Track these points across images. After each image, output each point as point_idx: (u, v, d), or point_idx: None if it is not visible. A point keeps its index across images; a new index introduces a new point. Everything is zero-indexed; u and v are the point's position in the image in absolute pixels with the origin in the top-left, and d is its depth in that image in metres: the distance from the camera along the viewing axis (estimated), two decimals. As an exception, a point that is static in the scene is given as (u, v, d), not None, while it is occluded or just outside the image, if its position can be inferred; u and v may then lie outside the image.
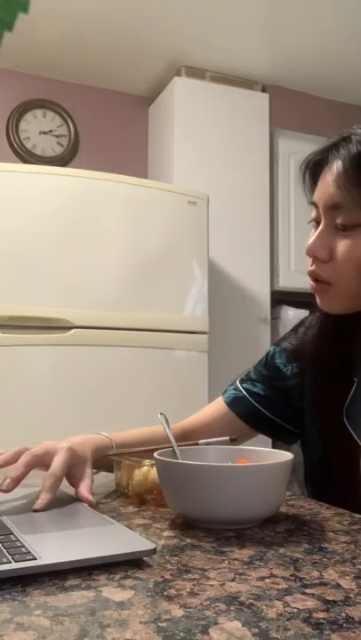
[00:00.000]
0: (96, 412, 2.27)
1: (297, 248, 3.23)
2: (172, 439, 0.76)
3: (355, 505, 0.73)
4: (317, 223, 0.80)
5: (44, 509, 0.66)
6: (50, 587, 0.46)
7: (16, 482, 0.71)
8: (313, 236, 0.79)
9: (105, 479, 0.93)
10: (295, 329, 0.98)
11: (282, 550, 0.56)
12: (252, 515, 0.64)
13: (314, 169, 0.82)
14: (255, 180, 3.17)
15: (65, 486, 0.86)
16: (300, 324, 0.97)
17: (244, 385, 0.98)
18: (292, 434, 0.98)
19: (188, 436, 0.94)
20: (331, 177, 0.76)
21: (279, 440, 1.01)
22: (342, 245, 0.75)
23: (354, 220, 0.74)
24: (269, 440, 2.14)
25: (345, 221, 0.74)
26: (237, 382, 1.00)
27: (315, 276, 0.79)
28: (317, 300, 0.81)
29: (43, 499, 0.68)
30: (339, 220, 0.75)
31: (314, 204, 0.80)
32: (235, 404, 0.97)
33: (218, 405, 1.00)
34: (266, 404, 0.96)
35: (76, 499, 0.73)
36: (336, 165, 0.75)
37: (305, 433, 0.94)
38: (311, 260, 0.79)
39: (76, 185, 2.39)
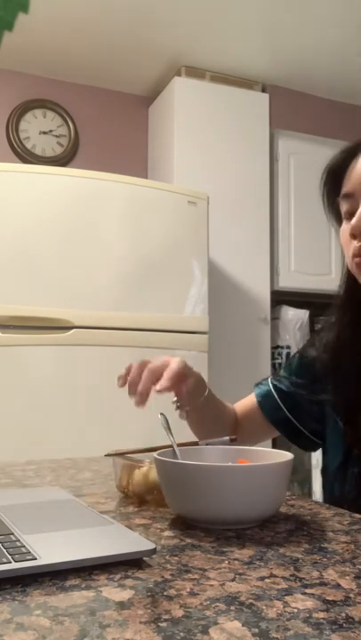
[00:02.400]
0: (96, 411, 2.27)
1: (297, 248, 3.24)
2: (173, 439, 0.76)
3: None
4: (351, 216, 0.82)
5: (161, 390, 0.81)
6: (50, 587, 0.46)
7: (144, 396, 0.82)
8: (356, 214, 0.79)
9: (105, 479, 0.93)
10: (313, 338, 0.99)
11: (282, 550, 0.56)
12: (252, 515, 0.64)
13: (334, 175, 0.86)
14: (255, 180, 3.17)
15: (65, 486, 0.86)
16: (319, 330, 0.98)
17: (273, 381, 1.02)
18: (312, 442, 0.99)
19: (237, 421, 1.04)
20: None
21: (296, 444, 1.02)
22: None
23: None
24: (269, 440, 2.14)
25: None
26: (269, 382, 1.04)
27: None
28: None
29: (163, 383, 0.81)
30: None
31: (347, 196, 0.82)
32: (262, 398, 1.02)
33: (250, 401, 1.06)
34: (288, 405, 0.99)
35: (76, 499, 0.73)
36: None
37: (325, 442, 0.95)
38: (354, 241, 0.80)
39: (76, 185, 2.39)
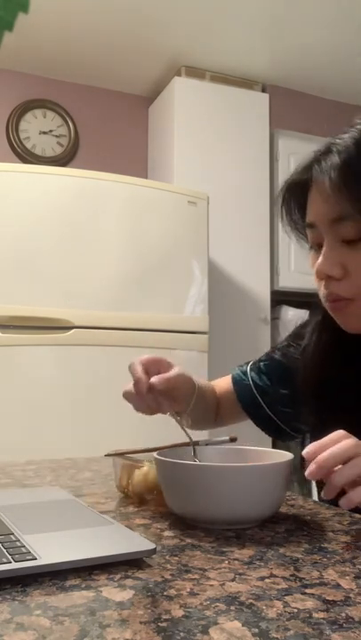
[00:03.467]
0: (96, 411, 2.27)
1: (297, 248, 3.22)
2: (190, 436, 0.76)
3: None
4: (318, 245, 0.77)
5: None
6: (50, 587, 0.46)
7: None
8: (320, 256, 0.75)
9: (105, 479, 0.93)
10: (294, 337, 0.97)
11: (282, 550, 0.56)
12: (252, 515, 0.64)
13: (298, 190, 0.80)
14: (255, 180, 3.17)
15: (65, 486, 0.86)
16: (299, 335, 0.95)
17: (253, 374, 1.01)
18: (289, 435, 0.99)
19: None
20: (323, 192, 0.73)
21: (274, 437, 1.02)
22: (354, 258, 0.72)
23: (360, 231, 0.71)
24: (270, 440, 2.14)
25: (351, 234, 0.72)
26: (248, 368, 1.02)
27: (334, 297, 0.75)
28: (339, 321, 0.78)
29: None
30: (344, 234, 0.72)
31: (310, 225, 0.77)
32: (241, 391, 1.01)
33: (227, 384, 1.05)
34: (267, 401, 0.98)
35: (76, 499, 0.73)
36: (324, 180, 0.72)
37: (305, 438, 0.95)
38: (323, 281, 0.76)
39: (76, 185, 2.39)
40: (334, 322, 0.79)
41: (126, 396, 0.83)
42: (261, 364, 1.01)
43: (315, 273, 0.77)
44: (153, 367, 0.84)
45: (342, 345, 0.82)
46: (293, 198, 0.81)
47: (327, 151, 0.73)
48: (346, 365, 0.82)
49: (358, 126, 0.73)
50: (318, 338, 0.86)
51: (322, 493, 0.58)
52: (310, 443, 0.68)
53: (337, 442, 0.60)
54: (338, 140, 0.73)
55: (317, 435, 0.66)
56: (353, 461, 0.59)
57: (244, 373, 1.02)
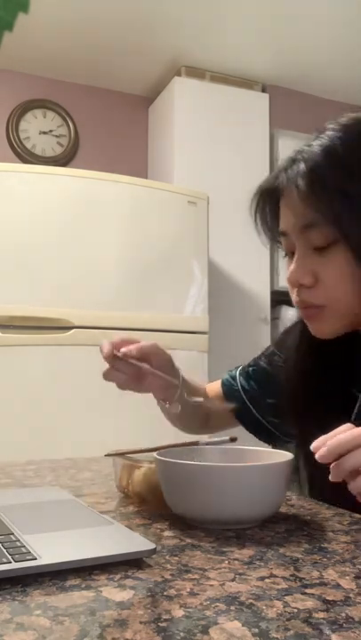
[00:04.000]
0: (96, 411, 2.27)
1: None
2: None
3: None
4: (292, 253, 0.77)
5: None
6: (50, 587, 0.46)
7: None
8: (292, 264, 0.76)
9: (105, 479, 0.93)
10: (279, 345, 0.98)
11: (282, 550, 0.56)
12: (252, 515, 0.64)
13: (269, 198, 0.81)
14: (255, 180, 3.14)
15: (65, 486, 0.86)
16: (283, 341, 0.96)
17: (241, 379, 1.01)
18: (280, 439, 1.00)
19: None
20: (291, 201, 0.74)
21: (266, 442, 1.02)
22: (325, 266, 0.73)
23: (330, 238, 0.71)
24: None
25: (321, 241, 0.72)
26: (237, 373, 1.03)
27: (305, 304, 0.76)
28: (311, 328, 0.78)
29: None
30: (314, 241, 0.73)
31: (283, 234, 0.78)
32: (230, 396, 1.02)
33: (217, 388, 1.06)
34: (256, 406, 0.99)
35: (76, 499, 0.73)
36: (292, 188, 0.73)
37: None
38: (295, 289, 0.76)
39: (76, 185, 2.39)
40: (310, 336, 0.80)
41: (105, 375, 0.84)
42: (250, 369, 1.01)
43: (287, 281, 0.77)
44: (123, 344, 0.84)
45: (321, 354, 0.82)
46: (267, 206, 0.82)
47: (295, 159, 0.74)
48: (325, 375, 0.82)
49: (328, 132, 0.74)
50: (297, 349, 0.87)
51: (330, 477, 0.59)
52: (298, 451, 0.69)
53: (345, 431, 0.61)
54: (306, 148, 0.74)
55: (303, 445, 0.67)
56: None
57: (233, 378, 1.02)
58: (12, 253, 2.25)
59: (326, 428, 0.64)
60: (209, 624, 0.39)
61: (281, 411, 0.92)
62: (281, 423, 0.97)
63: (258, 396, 0.98)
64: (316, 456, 0.59)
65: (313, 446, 0.60)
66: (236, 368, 1.04)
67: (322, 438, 0.61)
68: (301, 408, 0.85)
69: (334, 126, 0.75)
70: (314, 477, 0.88)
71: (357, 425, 0.75)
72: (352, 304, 0.73)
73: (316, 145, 0.73)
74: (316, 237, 0.72)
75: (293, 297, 0.78)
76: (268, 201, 0.81)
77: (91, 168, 2.69)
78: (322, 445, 0.60)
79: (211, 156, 3.10)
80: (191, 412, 0.98)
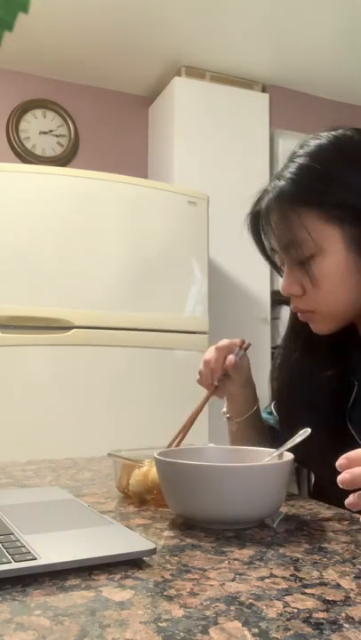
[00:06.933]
0: (96, 411, 2.27)
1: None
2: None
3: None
4: (283, 266, 0.86)
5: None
6: (50, 587, 0.46)
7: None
8: (283, 277, 0.86)
9: (105, 479, 0.93)
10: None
11: (282, 550, 0.56)
12: (252, 515, 0.64)
13: (258, 220, 0.90)
14: (255, 180, 3.16)
15: (65, 486, 0.86)
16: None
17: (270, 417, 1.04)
18: None
19: None
20: (272, 222, 0.84)
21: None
22: (309, 278, 0.81)
23: (308, 251, 0.79)
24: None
25: (301, 256, 0.80)
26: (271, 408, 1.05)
27: (298, 310, 0.85)
28: (311, 327, 0.86)
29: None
30: (296, 257, 0.81)
31: (274, 251, 0.87)
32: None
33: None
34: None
35: (76, 499, 0.74)
36: (271, 210, 0.84)
37: None
38: (292, 297, 0.86)
39: (76, 185, 2.39)
40: (300, 331, 0.90)
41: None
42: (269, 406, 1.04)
43: (281, 292, 0.87)
44: (230, 348, 0.98)
45: (315, 345, 0.89)
46: (257, 228, 0.91)
47: (274, 181, 0.84)
48: (315, 374, 0.88)
49: (306, 147, 0.82)
50: (287, 352, 0.96)
51: (346, 503, 0.58)
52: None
53: None
54: (284, 171, 0.84)
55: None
56: None
57: (270, 413, 1.04)
58: (12, 253, 2.25)
59: (325, 418, 0.66)
60: (209, 624, 0.39)
61: (280, 405, 0.97)
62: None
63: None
64: (339, 479, 0.57)
65: (338, 464, 0.58)
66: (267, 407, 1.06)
67: (346, 458, 0.58)
68: (299, 399, 0.90)
69: (304, 150, 0.83)
70: (316, 477, 0.89)
71: (354, 414, 0.78)
72: (338, 307, 0.81)
73: (294, 166, 0.82)
74: (296, 253, 0.81)
75: (291, 304, 0.88)
76: (257, 224, 0.91)
77: (91, 168, 2.69)
78: (345, 467, 0.57)
79: (211, 156, 3.10)
80: (257, 436, 0.99)
